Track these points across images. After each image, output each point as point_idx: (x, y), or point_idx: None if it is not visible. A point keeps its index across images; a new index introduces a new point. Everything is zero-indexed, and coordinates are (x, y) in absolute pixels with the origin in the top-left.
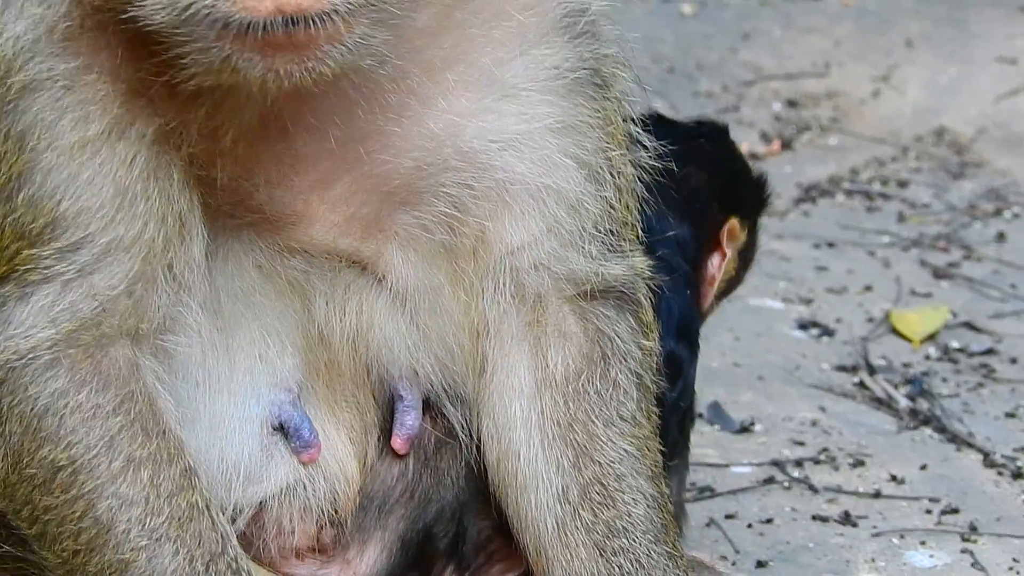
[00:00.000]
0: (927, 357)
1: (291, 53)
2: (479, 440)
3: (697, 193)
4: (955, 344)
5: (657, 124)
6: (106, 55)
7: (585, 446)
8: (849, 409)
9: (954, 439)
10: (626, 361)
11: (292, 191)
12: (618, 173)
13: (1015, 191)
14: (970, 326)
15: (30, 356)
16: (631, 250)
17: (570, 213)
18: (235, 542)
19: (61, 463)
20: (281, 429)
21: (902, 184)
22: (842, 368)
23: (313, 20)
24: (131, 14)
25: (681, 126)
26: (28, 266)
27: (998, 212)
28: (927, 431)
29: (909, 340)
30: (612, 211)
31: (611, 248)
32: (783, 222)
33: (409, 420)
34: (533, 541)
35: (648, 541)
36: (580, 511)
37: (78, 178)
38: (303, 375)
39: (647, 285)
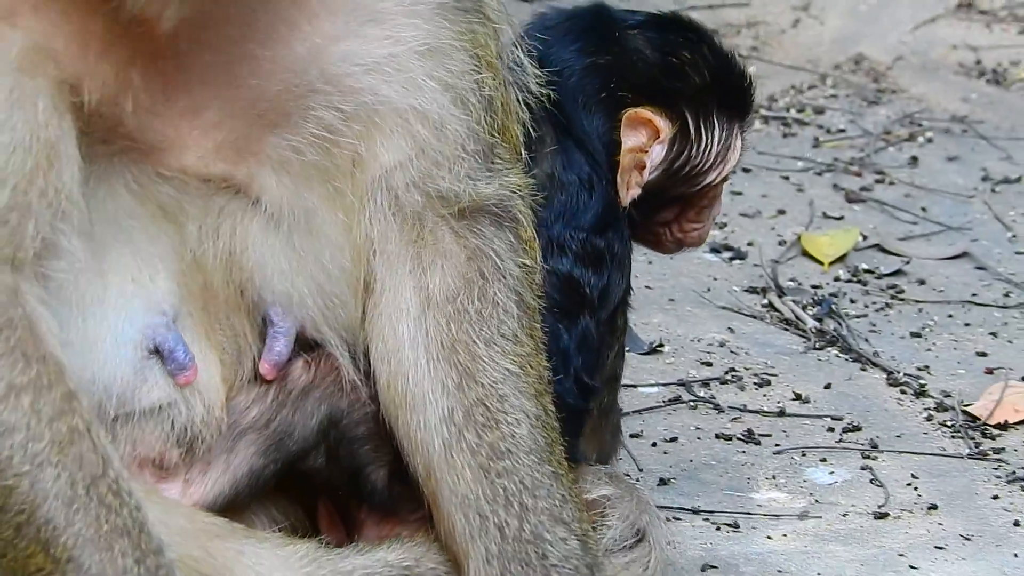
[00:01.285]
0: (836, 279)
1: None
2: (367, 370)
3: (608, 81)
4: (864, 266)
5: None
6: None
7: (468, 367)
8: (758, 330)
9: (859, 359)
10: (505, 279)
11: (163, 118)
12: (487, 96)
13: (929, 117)
14: (880, 248)
15: None
16: (505, 169)
17: (436, 135)
18: (117, 464)
19: None
20: (157, 352)
21: (819, 111)
22: (752, 290)
23: None
24: None
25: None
26: None
27: (912, 137)
28: (833, 351)
29: (819, 262)
30: (479, 130)
31: (482, 168)
32: None
33: (278, 346)
34: (423, 462)
35: (532, 462)
36: (465, 433)
37: None
38: (178, 299)
39: (526, 203)
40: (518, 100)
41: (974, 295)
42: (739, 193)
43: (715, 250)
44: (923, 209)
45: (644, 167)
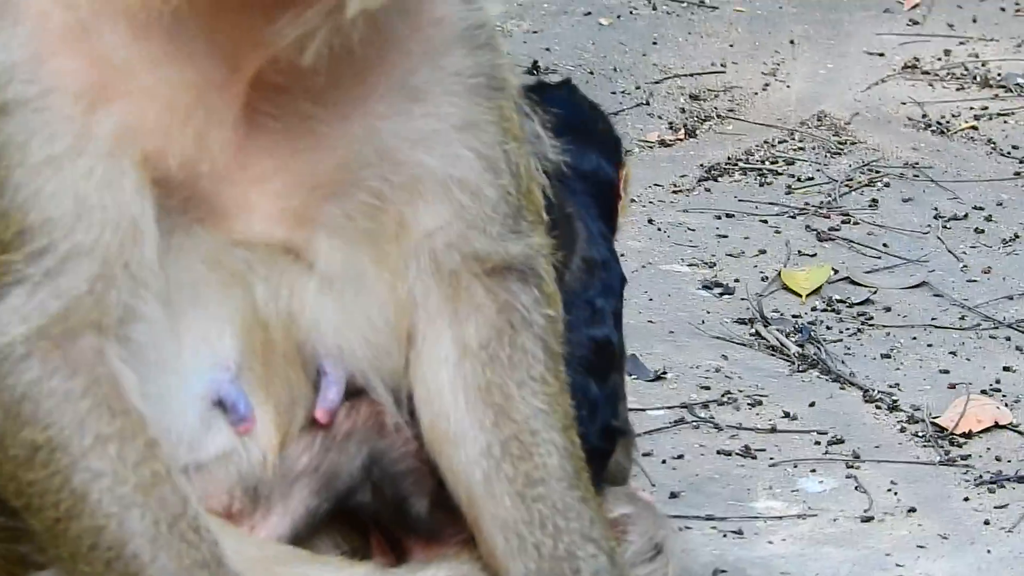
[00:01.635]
0: (813, 309)
1: None
2: (409, 412)
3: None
4: (837, 297)
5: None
6: (69, 70)
7: (502, 406)
8: (748, 356)
9: (838, 379)
10: (531, 328)
11: (235, 185)
12: (514, 163)
13: (885, 164)
14: (850, 281)
15: (6, 350)
16: (530, 230)
17: (472, 199)
18: (195, 503)
19: (39, 443)
20: (220, 404)
21: (789, 162)
22: (741, 321)
23: None
24: None
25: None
26: (2, 271)
27: (871, 183)
28: (815, 373)
29: (798, 295)
30: (509, 196)
31: (510, 229)
32: (688, 198)
33: (331, 394)
34: (465, 492)
35: (563, 488)
36: (502, 464)
37: (43, 191)
38: (241, 355)
39: (548, 261)
40: (538, 168)
41: (934, 319)
42: (725, 236)
43: (707, 287)
44: (885, 245)
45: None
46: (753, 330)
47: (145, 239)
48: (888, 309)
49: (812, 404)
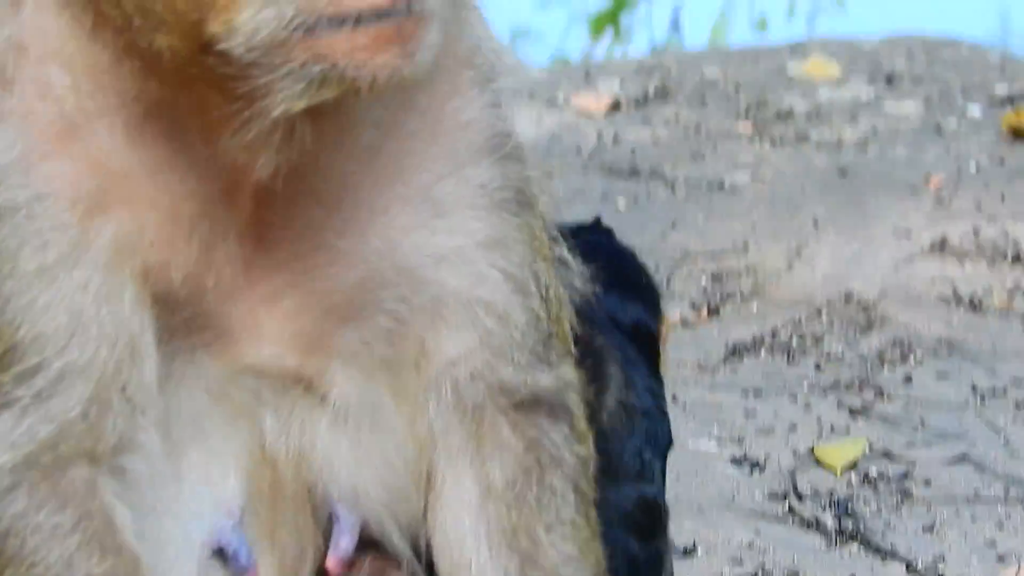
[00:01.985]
0: (849, 484)
1: (396, 44)
2: (426, 559)
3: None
4: (874, 471)
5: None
6: (64, 176)
7: (529, 552)
8: (782, 532)
9: (879, 552)
10: (562, 468)
11: (242, 304)
12: (544, 285)
13: (917, 340)
14: (886, 455)
15: None
16: (560, 361)
17: (499, 323)
18: None
19: None
20: (220, 553)
21: (817, 340)
22: (773, 496)
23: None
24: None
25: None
26: None
27: (903, 359)
28: (854, 546)
29: (832, 470)
30: (539, 322)
31: (540, 358)
32: (714, 377)
33: (344, 542)
34: None
35: None
36: None
37: (35, 304)
38: (246, 498)
39: (580, 396)
40: (564, 294)
41: (978, 492)
42: (753, 414)
43: (736, 463)
44: (921, 420)
45: None
46: (787, 505)
47: (144, 360)
48: (928, 483)
49: None
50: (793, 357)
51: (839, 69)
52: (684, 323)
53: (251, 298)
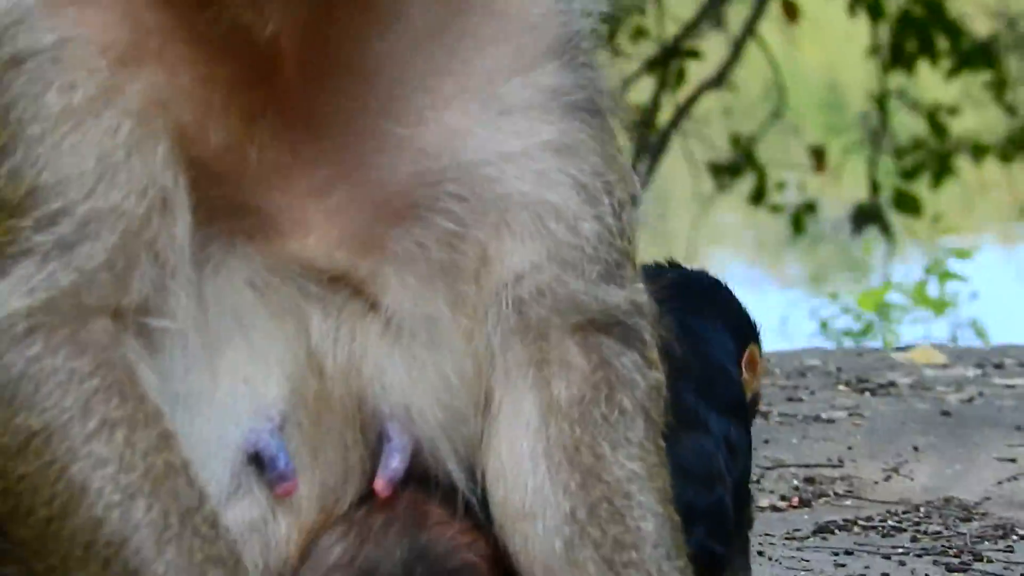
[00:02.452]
0: None
1: None
2: (480, 490)
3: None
4: None
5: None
6: (94, 21)
7: (592, 467)
8: None
9: None
10: (631, 390)
11: (288, 193)
12: (616, 199)
13: (1020, 524)
14: None
15: (7, 325)
16: (632, 283)
17: (569, 232)
18: (213, 503)
19: (35, 429)
20: (257, 460)
21: (914, 523)
22: None
23: None
24: None
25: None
26: (8, 238)
27: (1005, 535)
28: None
29: None
30: (610, 236)
31: (611, 275)
32: (803, 543)
33: (394, 463)
34: (541, 569)
35: (659, 555)
36: (588, 528)
37: (60, 147)
38: (289, 406)
39: (653, 325)
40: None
41: None
42: (843, 565)
43: None
44: None
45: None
46: None
47: (176, 218)
48: None
49: None
50: (888, 533)
51: (945, 358)
52: (774, 508)
53: (297, 187)
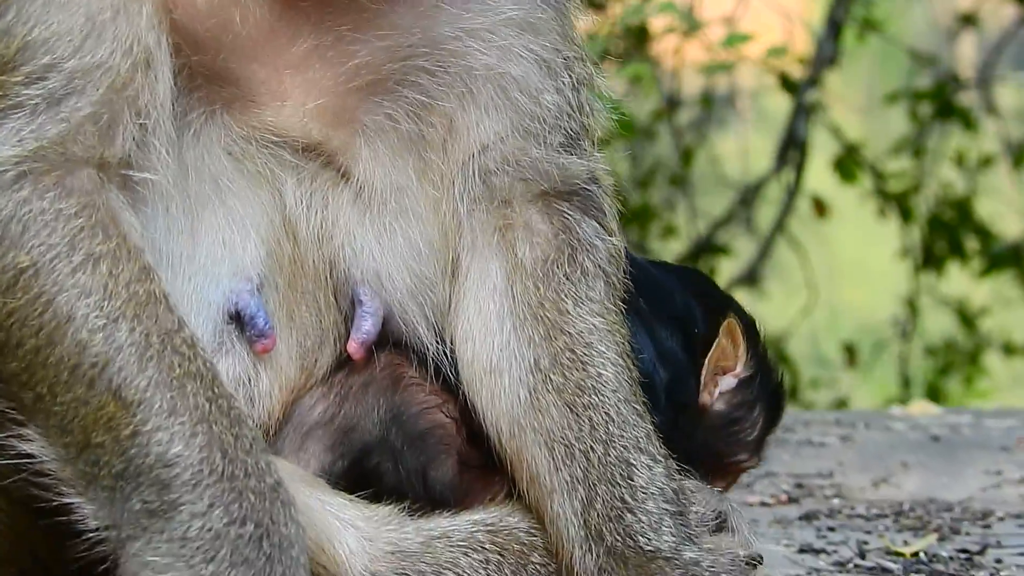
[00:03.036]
0: None
1: None
2: (449, 354)
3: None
4: None
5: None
6: None
7: (555, 321)
8: None
9: None
10: (591, 252)
11: (268, 66)
12: (575, 75)
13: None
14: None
15: None
16: (592, 156)
17: (531, 103)
18: (192, 328)
19: (24, 265)
20: (237, 319)
21: (899, 512)
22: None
23: None
24: None
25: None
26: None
27: (985, 518)
28: None
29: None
30: (570, 108)
31: (573, 144)
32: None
33: (366, 326)
34: (507, 420)
35: (618, 399)
36: (551, 375)
37: (51, 5)
38: (266, 268)
39: (610, 196)
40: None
41: None
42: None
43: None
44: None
45: (722, 374)
46: None
47: (158, 77)
48: None
49: None
50: (872, 518)
51: (940, 410)
52: (763, 504)
53: (277, 61)
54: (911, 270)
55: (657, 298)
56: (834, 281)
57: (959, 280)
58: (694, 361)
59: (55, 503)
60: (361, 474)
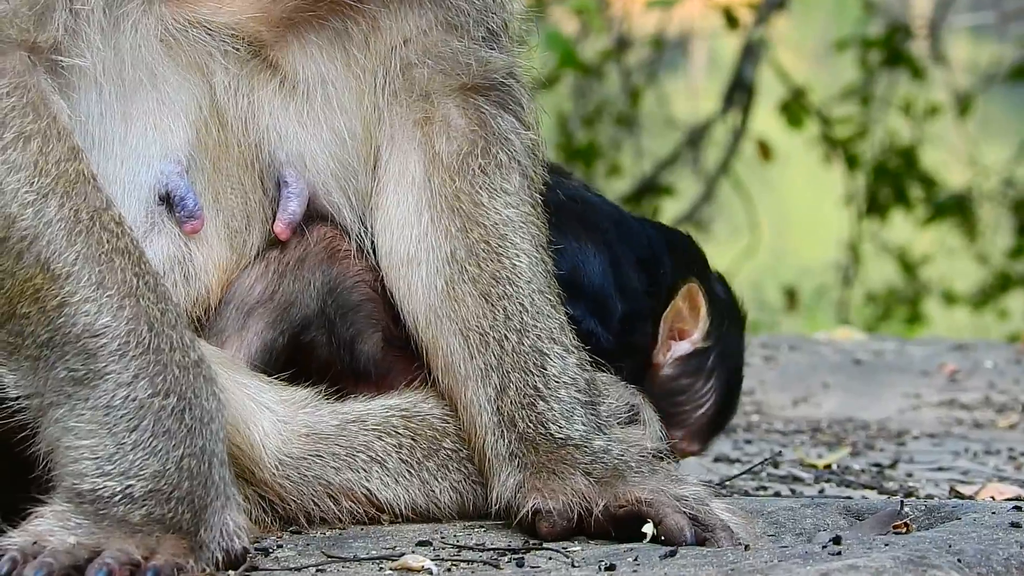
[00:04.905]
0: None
1: None
2: (371, 241)
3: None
4: None
5: None
6: None
7: (471, 213)
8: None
9: None
10: (507, 146)
11: None
12: None
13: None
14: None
15: None
16: (512, 51)
17: None
18: (118, 208)
19: None
20: (167, 200)
21: (816, 429)
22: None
23: None
24: None
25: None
26: None
27: (899, 436)
28: None
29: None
30: (493, 3)
31: (492, 40)
32: None
33: (292, 206)
34: (423, 309)
35: (532, 290)
36: (467, 266)
37: None
38: (194, 150)
39: (528, 90)
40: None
41: None
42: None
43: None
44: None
45: (678, 338)
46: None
47: None
48: None
49: None
50: (788, 433)
51: (864, 336)
52: None
53: None
54: (855, 217)
55: (630, 240)
56: (779, 226)
57: (902, 228)
58: (654, 309)
59: None
60: (296, 348)
